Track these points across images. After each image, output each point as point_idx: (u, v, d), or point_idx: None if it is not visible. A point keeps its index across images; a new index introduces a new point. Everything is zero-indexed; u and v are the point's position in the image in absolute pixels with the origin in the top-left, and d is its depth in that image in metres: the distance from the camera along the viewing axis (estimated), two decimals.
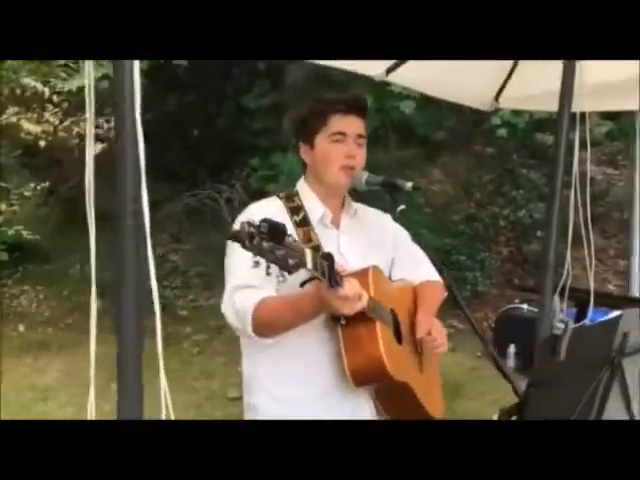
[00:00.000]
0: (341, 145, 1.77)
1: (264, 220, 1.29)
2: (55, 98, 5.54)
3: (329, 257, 1.41)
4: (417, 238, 1.99)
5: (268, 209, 1.78)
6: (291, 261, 1.28)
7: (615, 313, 5.14)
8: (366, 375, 1.63)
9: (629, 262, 5.01)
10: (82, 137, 5.53)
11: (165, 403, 1.42)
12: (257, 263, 1.29)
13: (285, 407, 1.76)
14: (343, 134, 1.77)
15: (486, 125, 5.85)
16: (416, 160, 7.34)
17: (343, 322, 1.59)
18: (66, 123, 5.48)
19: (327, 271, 1.40)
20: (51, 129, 5.46)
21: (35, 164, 6.10)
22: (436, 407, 1.79)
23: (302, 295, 1.59)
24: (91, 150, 1.51)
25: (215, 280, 6.49)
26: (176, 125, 6.78)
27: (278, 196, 1.87)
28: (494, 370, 4.96)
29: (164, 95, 5.98)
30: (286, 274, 1.33)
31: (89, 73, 1.51)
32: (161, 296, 5.07)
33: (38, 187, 5.60)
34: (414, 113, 5.32)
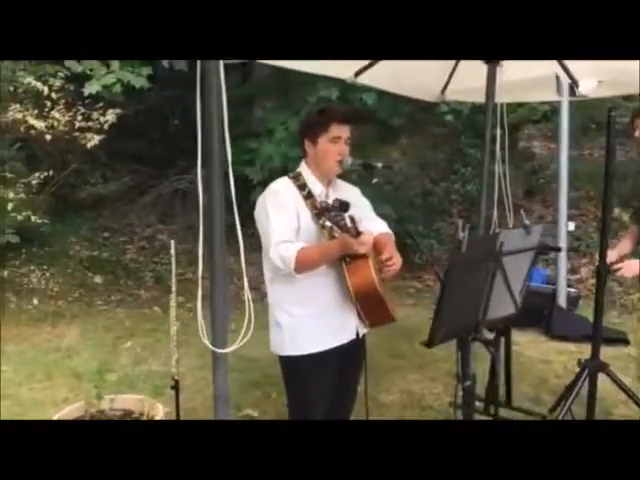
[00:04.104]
0: (336, 145, 2.53)
1: (336, 199, 2.21)
2: (53, 95, 6.09)
3: (354, 219, 2.30)
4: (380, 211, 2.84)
5: (285, 185, 2.58)
6: (342, 223, 2.15)
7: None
8: (364, 292, 2.44)
9: (557, 224, 5.90)
10: (81, 130, 6.12)
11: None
12: (327, 227, 2.27)
13: (298, 321, 2.55)
14: (339, 138, 2.53)
15: (436, 111, 6.66)
16: (376, 142, 8.10)
17: (348, 259, 2.41)
18: (66, 118, 6.05)
19: (355, 226, 2.29)
20: (52, 123, 6.02)
21: (35, 155, 6.69)
22: (394, 311, 2.58)
23: (331, 243, 2.40)
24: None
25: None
26: (159, 116, 7.39)
27: (288, 176, 2.65)
28: None
29: (148, 89, 6.52)
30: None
31: None
32: (153, 270, 5.96)
33: (41, 176, 6.17)
34: (375, 102, 6.09)
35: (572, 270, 6.91)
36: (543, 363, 4.91)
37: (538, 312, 5.70)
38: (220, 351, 2.27)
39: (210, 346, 2.26)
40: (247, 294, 2.21)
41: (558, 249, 5.08)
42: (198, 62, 2.23)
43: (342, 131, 2.55)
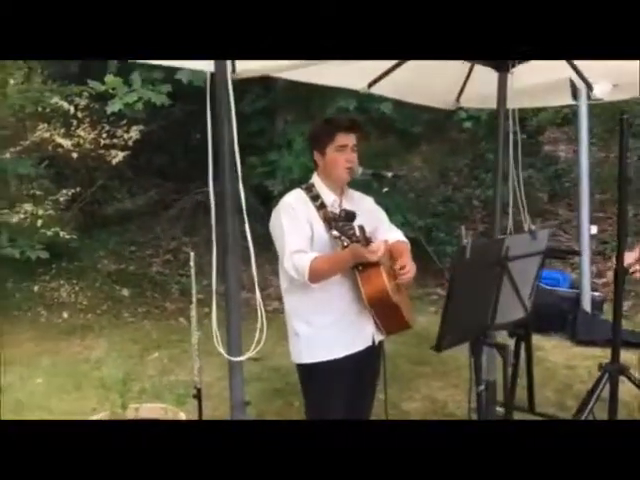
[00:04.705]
0: (343, 154, 2.58)
1: (343, 209, 2.30)
2: (79, 114, 6.29)
3: (363, 229, 2.35)
4: (403, 219, 2.88)
5: (297, 197, 2.64)
6: (350, 232, 2.20)
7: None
8: (377, 299, 2.48)
9: (578, 227, 5.87)
10: (106, 147, 6.30)
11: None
12: (336, 237, 2.30)
13: (316, 329, 2.60)
14: (345, 146, 2.59)
15: (455, 118, 6.68)
16: (397, 151, 8.14)
17: (360, 268, 2.46)
18: (92, 135, 6.24)
19: (364, 236, 2.35)
20: (78, 141, 6.21)
21: (63, 173, 6.89)
22: (410, 318, 2.63)
23: (342, 253, 2.44)
24: None
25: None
26: (182, 131, 7.55)
27: (301, 188, 2.71)
28: None
29: (170, 105, 6.66)
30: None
31: None
32: (178, 282, 6.08)
33: (69, 193, 6.36)
34: (392, 111, 6.14)
35: (598, 274, 6.83)
36: (567, 368, 4.87)
37: (563, 317, 5.66)
38: (235, 359, 2.33)
39: (224, 354, 2.32)
40: (259, 303, 2.27)
41: (575, 252, 5.05)
42: (208, 75, 2.30)
43: (348, 139, 2.60)
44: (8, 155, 6.20)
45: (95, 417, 3.06)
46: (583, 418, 3.14)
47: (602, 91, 3.85)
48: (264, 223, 2.80)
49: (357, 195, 2.81)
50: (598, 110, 7.22)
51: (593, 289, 6.01)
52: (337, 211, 2.38)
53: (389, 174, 2.57)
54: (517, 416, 3.72)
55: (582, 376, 4.66)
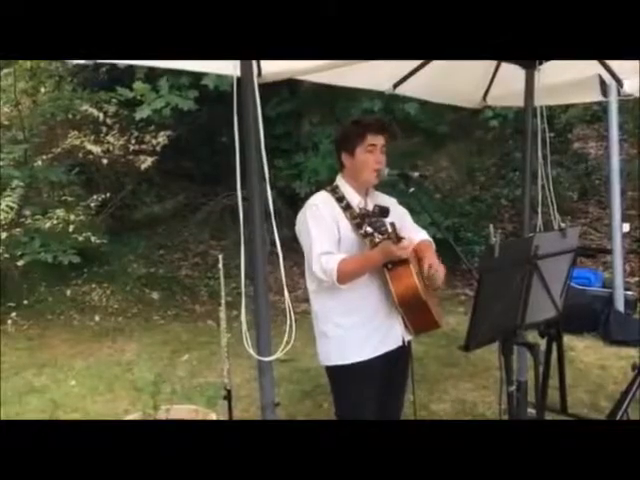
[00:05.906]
0: (373, 154, 2.58)
1: (376, 205, 2.30)
2: (108, 121, 6.40)
3: (394, 226, 2.34)
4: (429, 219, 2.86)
5: (323, 198, 2.65)
6: (383, 228, 2.20)
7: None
8: (407, 297, 2.47)
9: (610, 225, 5.77)
10: (135, 153, 6.40)
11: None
12: (368, 233, 2.31)
13: (345, 330, 2.60)
14: (375, 146, 2.58)
15: (481, 117, 6.63)
16: (422, 151, 8.10)
17: (390, 266, 2.45)
18: (121, 142, 6.34)
19: (395, 232, 2.34)
20: (108, 148, 6.32)
21: (93, 179, 7.02)
22: (439, 317, 2.61)
23: (372, 252, 2.44)
24: None
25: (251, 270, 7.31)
26: (208, 135, 7.62)
27: (326, 190, 2.72)
28: None
29: (196, 110, 6.71)
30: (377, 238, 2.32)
31: None
32: (207, 285, 6.11)
33: (99, 198, 6.47)
34: (417, 111, 6.12)
35: (631, 272, 6.71)
36: (600, 369, 4.80)
37: (595, 316, 5.57)
38: (265, 359, 2.35)
39: (254, 355, 2.34)
40: (288, 303, 2.28)
41: (607, 251, 4.96)
42: (234, 79, 2.32)
43: (377, 139, 2.60)
44: (40, 162, 6.35)
45: (127, 418, 3.11)
46: (617, 419, 3.09)
47: (632, 87, 3.80)
48: (290, 225, 2.81)
49: (381, 196, 2.81)
50: (629, 105, 7.09)
51: (626, 288, 5.89)
52: (370, 207, 2.38)
53: (415, 174, 2.56)
54: (549, 417, 3.70)
55: (615, 377, 4.58)
